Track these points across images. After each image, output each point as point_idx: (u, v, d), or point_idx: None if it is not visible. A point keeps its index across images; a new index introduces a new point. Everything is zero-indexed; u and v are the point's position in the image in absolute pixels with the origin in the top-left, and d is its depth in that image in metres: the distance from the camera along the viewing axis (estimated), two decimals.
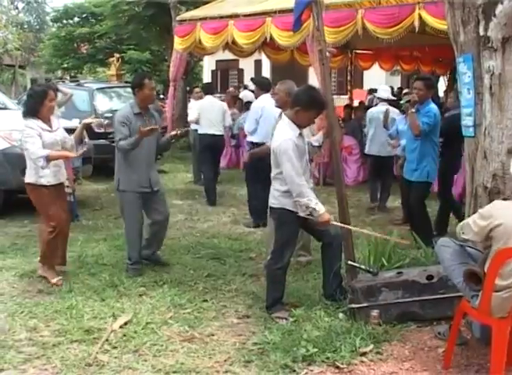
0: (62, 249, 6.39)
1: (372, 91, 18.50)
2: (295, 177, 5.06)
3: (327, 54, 5.37)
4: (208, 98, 10.93)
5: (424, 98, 7.26)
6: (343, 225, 5.44)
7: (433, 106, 7.32)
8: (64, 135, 6.25)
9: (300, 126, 5.25)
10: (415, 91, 7.39)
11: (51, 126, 6.12)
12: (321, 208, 5.10)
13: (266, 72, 26.36)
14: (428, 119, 7.15)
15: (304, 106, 5.13)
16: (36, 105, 6.03)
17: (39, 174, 6.03)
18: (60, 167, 6.22)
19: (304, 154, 5.24)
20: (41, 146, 5.91)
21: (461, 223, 4.36)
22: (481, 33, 4.91)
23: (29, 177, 6.13)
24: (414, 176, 7.35)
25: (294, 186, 5.07)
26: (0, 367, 4.36)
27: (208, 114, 10.62)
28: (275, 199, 5.34)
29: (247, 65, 25.89)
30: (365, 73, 20.97)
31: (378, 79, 22.66)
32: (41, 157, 5.85)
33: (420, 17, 9.29)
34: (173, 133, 6.68)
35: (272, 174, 5.34)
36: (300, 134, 5.23)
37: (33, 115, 6.03)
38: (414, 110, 7.19)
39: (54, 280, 6.09)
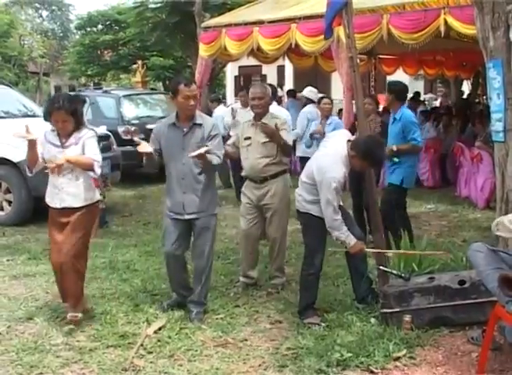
0: (60, 285, 5.36)
1: None
2: (332, 213, 5.10)
3: (357, 60, 5.40)
4: None
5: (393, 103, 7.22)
6: (377, 250, 5.53)
7: (406, 111, 7.21)
8: (75, 154, 5.21)
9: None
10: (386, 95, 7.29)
11: (65, 142, 5.23)
12: (351, 240, 5.18)
13: (289, 77, 26.45)
14: (414, 133, 6.99)
15: (360, 156, 5.13)
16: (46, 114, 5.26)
17: (47, 191, 5.38)
18: (59, 190, 5.22)
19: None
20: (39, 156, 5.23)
21: (497, 220, 4.36)
22: (511, 38, 4.95)
23: None
24: (389, 180, 7.24)
25: (329, 219, 5.13)
26: (39, 371, 4.45)
27: None
28: (300, 203, 5.42)
29: (270, 71, 25.93)
30: (388, 77, 20.91)
31: None
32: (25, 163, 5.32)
33: (445, 22, 9.27)
34: (193, 154, 5.12)
35: (303, 179, 5.39)
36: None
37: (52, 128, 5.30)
38: (394, 149, 6.95)
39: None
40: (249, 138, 6.12)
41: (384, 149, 5.30)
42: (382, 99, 17.69)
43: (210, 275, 5.62)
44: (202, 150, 5.07)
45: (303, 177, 5.40)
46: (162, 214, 5.88)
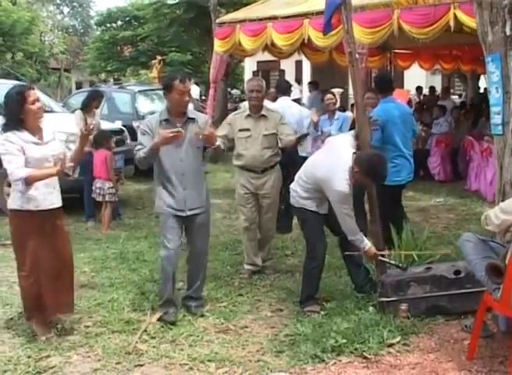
0: (49, 295, 4.95)
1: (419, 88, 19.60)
2: (349, 221, 5.24)
3: (357, 56, 5.51)
4: None
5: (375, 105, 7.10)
6: (389, 261, 5.53)
7: (380, 105, 7.03)
8: (60, 149, 5.00)
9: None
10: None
11: (41, 138, 4.83)
12: (366, 245, 5.31)
13: (306, 72, 26.41)
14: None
15: (363, 172, 5.17)
16: (15, 113, 4.74)
17: (26, 196, 4.75)
18: (54, 188, 4.90)
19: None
20: (22, 164, 4.67)
21: (485, 214, 4.45)
22: (508, 33, 5.02)
23: (13, 202, 4.85)
24: None
25: (346, 226, 5.25)
26: (47, 353, 4.65)
27: None
28: (294, 199, 5.56)
29: (287, 66, 25.94)
30: (406, 72, 20.88)
31: (418, 78, 22.57)
32: (19, 179, 4.64)
33: (455, 16, 9.32)
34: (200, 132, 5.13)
35: (301, 177, 5.52)
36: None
37: (16, 126, 4.74)
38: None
39: (42, 338, 4.90)
40: (247, 130, 6.30)
41: (387, 166, 5.36)
42: (398, 94, 17.71)
43: (206, 269, 5.68)
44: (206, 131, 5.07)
45: (301, 175, 5.52)
46: None
